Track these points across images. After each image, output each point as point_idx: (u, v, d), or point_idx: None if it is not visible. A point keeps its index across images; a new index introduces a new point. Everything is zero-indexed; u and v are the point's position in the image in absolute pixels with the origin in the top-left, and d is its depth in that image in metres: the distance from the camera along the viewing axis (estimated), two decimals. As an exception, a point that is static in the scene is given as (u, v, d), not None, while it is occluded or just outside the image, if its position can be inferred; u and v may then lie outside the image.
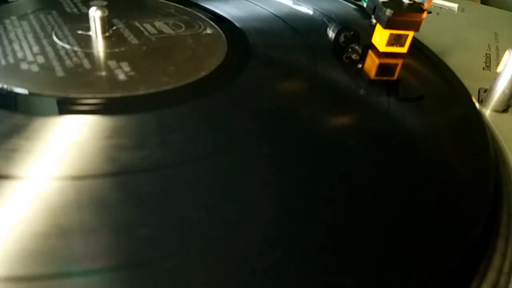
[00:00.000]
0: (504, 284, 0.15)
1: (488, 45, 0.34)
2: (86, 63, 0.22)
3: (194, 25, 0.25)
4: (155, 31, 0.25)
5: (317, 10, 0.33)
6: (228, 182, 0.16)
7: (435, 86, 0.26)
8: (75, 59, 0.22)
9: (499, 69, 0.25)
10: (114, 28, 0.25)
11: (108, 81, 0.21)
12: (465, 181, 0.18)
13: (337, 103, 0.23)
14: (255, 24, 0.29)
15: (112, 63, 0.22)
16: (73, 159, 0.16)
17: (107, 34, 0.24)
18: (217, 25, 0.28)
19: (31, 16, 0.26)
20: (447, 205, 0.16)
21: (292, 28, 0.29)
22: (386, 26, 0.26)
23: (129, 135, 0.17)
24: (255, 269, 0.13)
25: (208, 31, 0.25)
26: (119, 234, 0.13)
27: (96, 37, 0.24)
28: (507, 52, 0.24)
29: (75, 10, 0.27)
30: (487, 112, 0.25)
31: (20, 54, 0.22)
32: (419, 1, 0.26)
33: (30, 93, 0.19)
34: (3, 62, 0.21)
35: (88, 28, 0.25)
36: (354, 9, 0.34)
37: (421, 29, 0.26)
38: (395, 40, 0.27)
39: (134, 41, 0.24)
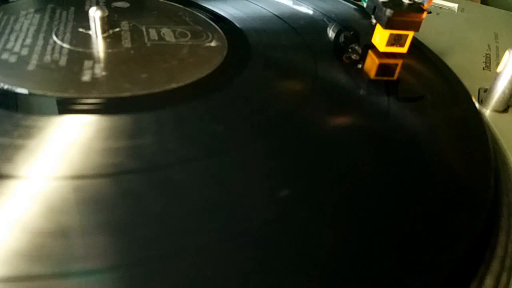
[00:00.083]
0: (506, 281, 0.15)
1: (488, 45, 0.34)
2: (63, 60, 0.22)
3: (202, 36, 0.25)
4: (156, 37, 0.25)
5: (317, 10, 0.33)
6: (228, 182, 0.16)
7: (435, 86, 0.26)
8: (56, 55, 0.22)
9: (499, 69, 0.25)
10: (117, 29, 0.25)
11: (69, 80, 0.20)
12: (465, 181, 0.18)
13: (337, 103, 0.23)
14: (255, 24, 0.29)
15: (88, 63, 0.22)
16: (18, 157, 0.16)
17: (105, 34, 0.24)
18: (217, 25, 0.28)
19: (48, 10, 0.27)
20: (447, 204, 0.16)
21: (292, 28, 0.29)
22: (386, 26, 0.26)
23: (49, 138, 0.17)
24: (256, 268, 0.13)
25: (212, 43, 0.25)
26: (119, 234, 0.13)
27: (96, 37, 0.24)
28: (507, 52, 0.24)
29: (86, 10, 0.27)
30: (487, 112, 0.25)
31: (10, 45, 0.23)
32: (419, 1, 0.26)
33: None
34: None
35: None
36: (354, 9, 0.34)
37: (421, 29, 0.26)
38: (395, 40, 0.27)
39: (127, 44, 0.24)
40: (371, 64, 0.27)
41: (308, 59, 0.26)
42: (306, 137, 0.19)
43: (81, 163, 0.16)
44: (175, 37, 0.25)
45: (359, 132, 0.20)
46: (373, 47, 0.28)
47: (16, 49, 0.22)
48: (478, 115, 0.23)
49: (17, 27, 0.24)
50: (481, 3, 0.49)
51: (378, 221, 0.15)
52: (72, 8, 0.27)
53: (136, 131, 0.18)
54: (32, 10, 0.27)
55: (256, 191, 0.16)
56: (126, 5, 0.28)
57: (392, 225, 0.15)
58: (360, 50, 0.28)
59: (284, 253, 0.14)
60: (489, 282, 0.15)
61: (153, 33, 0.25)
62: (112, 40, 0.24)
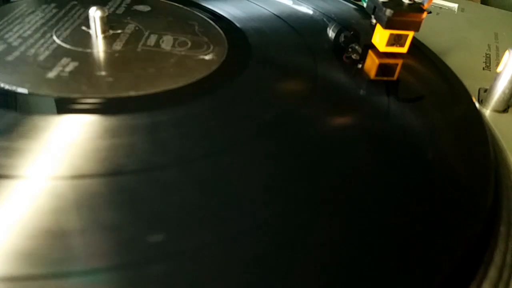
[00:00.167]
0: (506, 281, 0.15)
1: (488, 45, 0.34)
2: (44, 55, 0.22)
3: (202, 47, 0.25)
4: (152, 43, 0.24)
5: (317, 10, 0.33)
6: (228, 182, 0.16)
7: (435, 86, 0.26)
8: (41, 49, 0.23)
9: (499, 69, 0.25)
10: (119, 31, 0.25)
11: (34, 75, 0.21)
12: (465, 181, 0.18)
13: (337, 103, 0.23)
14: (255, 24, 0.29)
15: (65, 61, 0.22)
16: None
17: (104, 35, 0.24)
18: (217, 24, 0.28)
19: (67, 7, 0.27)
20: (447, 205, 0.16)
21: (292, 28, 0.29)
22: (386, 26, 0.26)
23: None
24: (255, 268, 0.13)
25: (207, 57, 0.24)
26: (119, 233, 0.13)
27: (96, 36, 0.24)
28: (507, 52, 0.24)
29: (112, 9, 0.28)
30: (487, 112, 0.25)
31: (8, 34, 0.23)
32: (419, 1, 0.26)
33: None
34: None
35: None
36: (354, 9, 0.34)
37: (421, 29, 0.26)
38: (395, 40, 0.27)
39: (118, 47, 0.24)
40: (371, 64, 0.27)
41: (308, 59, 0.26)
42: (306, 137, 0.19)
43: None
44: (172, 46, 0.24)
45: (358, 132, 0.20)
46: (373, 47, 0.28)
47: (11, 39, 0.23)
48: (478, 115, 0.23)
49: (28, 18, 0.25)
50: (481, 3, 0.49)
51: (378, 221, 0.15)
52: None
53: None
54: (54, 4, 0.27)
55: (256, 191, 0.16)
56: (146, 8, 0.28)
57: (392, 225, 0.15)
58: (360, 50, 0.28)
59: (284, 253, 0.14)
60: (489, 282, 0.15)
61: (152, 39, 0.25)
62: (107, 41, 0.24)
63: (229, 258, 0.13)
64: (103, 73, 0.22)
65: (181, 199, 0.15)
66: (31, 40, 0.23)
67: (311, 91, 0.23)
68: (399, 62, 0.27)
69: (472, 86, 0.26)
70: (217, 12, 0.30)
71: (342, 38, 0.29)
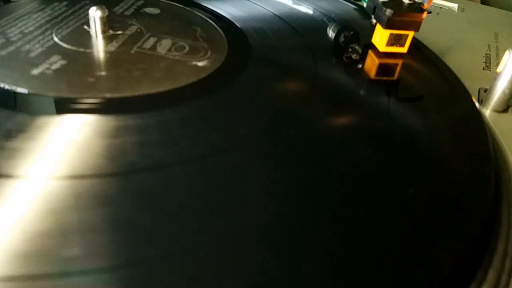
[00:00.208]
0: (506, 281, 0.15)
1: (488, 45, 0.34)
2: (36, 52, 0.22)
3: (198, 53, 0.24)
4: (148, 46, 0.24)
5: (317, 10, 0.33)
6: (228, 182, 0.16)
7: (435, 86, 0.26)
8: (36, 46, 0.23)
9: (499, 69, 0.25)
10: (119, 32, 0.25)
11: (19, 71, 0.21)
12: (465, 181, 0.18)
13: (337, 103, 0.23)
14: (255, 24, 0.29)
15: (54, 58, 0.22)
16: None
17: (103, 35, 0.24)
18: (217, 25, 0.28)
19: (77, 6, 0.27)
20: (447, 205, 0.16)
21: (292, 28, 0.29)
22: (386, 26, 0.26)
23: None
24: (256, 268, 0.13)
25: (200, 63, 0.23)
26: (119, 233, 0.13)
27: (96, 36, 0.24)
28: (507, 52, 0.24)
29: (121, 10, 0.28)
30: (487, 112, 0.25)
31: (11, 29, 0.24)
32: (419, 1, 0.26)
33: None
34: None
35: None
36: (354, 9, 0.34)
37: (421, 29, 0.26)
38: (395, 40, 0.27)
39: (112, 48, 0.24)
40: (371, 64, 0.27)
41: (308, 59, 0.26)
42: (306, 137, 0.19)
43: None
44: (169, 50, 0.24)
45: (358, 132, 0.20)
46: (373, 47, 0.28)
47: (11, 34, 0.23)
48: (478, 115, 0.23)
49: (36, 15, 0.25)
50: (481, 3, 0.49)
51: (378, 221, 0.15)
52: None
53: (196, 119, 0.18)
54: (64, 3, 0.28)
55: (255, 192, 0.16)
56: (156, 11, 0.28)
57: (392, 225, 0.15)
58: (360, 50, 0.28)
59: (284, 253, 0.14)
60: (489, 282, 0.15)
61: (150, 41, 0.25)
62: (104, 41, 0.24)
63: (234, 258, 0.13)
64: (87, 73, 0.21)
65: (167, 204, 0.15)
66: (30, 37, 0.23)
67: (310, 91, 0.23)
68: (399, 62, 0.27)
69: (472, 86, 0.26)
70: (218, 13, 0.30)
71: (342, 38, 0.29)
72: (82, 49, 0.23)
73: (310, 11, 0.33)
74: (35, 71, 0.21)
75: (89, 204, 0.14)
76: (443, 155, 0.20)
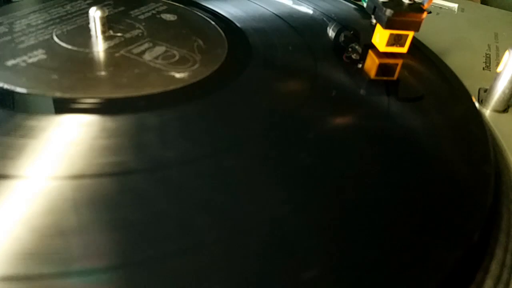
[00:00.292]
0: (505, 281, 0.15)
1: (488, 45, 0.34)
2: (25, 44, 0.23)
3: (187, 63, 0.23)
4: (138, 51, 0.24)
5: (317, 10, 0.33)
6: (228, 182, 0.16)
7: (435, 86, 0.26)
8: (31, 38, 0.23)
9: (499, 69, 0.25)
10: (119, 34, 0.25)
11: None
12: (465, 181, 0.18)
13: (337, 103, 0.23)
14: (255, 24, 0.29)
15: (36, 52, 0.22)
16: None
17: (103, 35, 0.24)
18: (218, 26, 0.28)
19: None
20: (447, 205, 0.16)
21: (292, 28, 0.29)
22: (386, 26, 0.26)
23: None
24: (256, 269, 0.13)
25: (179, 75, 0.22)
26: (119, 233, 0.13)
27: (96, 36, 0.24)
28: (507, 52, 0.24)
29: (138, 13, 0.28)
30: (487, 112, 0.25)
31: (18, 21, 0.24)
32: (419, 1, 0.26)
33: None
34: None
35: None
36: (354, 9, 0.34)
37: (421, 29, 0.26)
38: (395, 40, 0.27)
39: (99, 48, 0.23)
40: (371, 64, 0.27)
41: (308, 59, 0.26)
42: (306, 137, 0.19)
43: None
44: (155, 57, 0.23)
45: (358, 132, 0.20)
46: (373, 47, 0.28)
47: (17, 25, 0.24)
48: (478, 115, 0.23)
49: (53, 10, 0.26)
50: (481, 3, 0.49)
51: (378, 221, 0.15)
52: (122, 8, 0.28)
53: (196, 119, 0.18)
54: (88, 1, 0.28)
55: (255, 192, 0.16)
56: (172, 18, 0.27)
57: (392, 225, 0.15)
58: (360, 50, 0.28)
59: (283, 253, 0.14)
60: (489, 282, 0.15)
61: (143, 47, 0.24)
62: (98, 42, 0.24)
63: (236, 257, 0.13)
64: (56, 69, 0.21)
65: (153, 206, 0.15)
66: (32, 29, 0.24)
67: (310, 90, 0.23)
68: (399, 62, 0.27)
69: (472, 86, 0.26)
70: (217, 12, 0.30)
71: (342, 38, 0.29)
72: (70, 47, 0.23)
73: (310, 11, 0.33)
74: (10, 62, 0.21)
75: (90, 204, 0.14)
76: (443, 155, 0.20)
